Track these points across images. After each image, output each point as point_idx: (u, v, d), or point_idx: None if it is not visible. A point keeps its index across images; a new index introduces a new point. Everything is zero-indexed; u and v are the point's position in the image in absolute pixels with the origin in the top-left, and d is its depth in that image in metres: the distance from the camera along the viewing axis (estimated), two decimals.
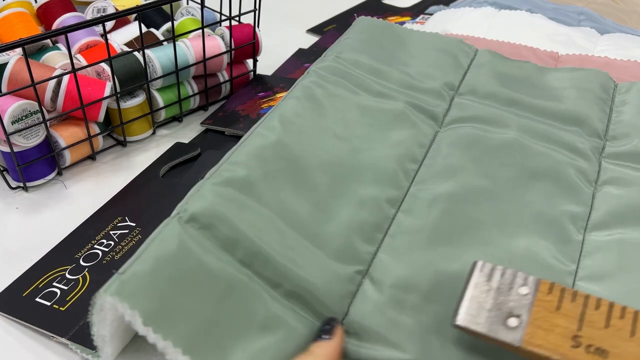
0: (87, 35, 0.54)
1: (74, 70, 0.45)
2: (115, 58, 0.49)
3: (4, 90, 0.46)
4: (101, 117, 0.49)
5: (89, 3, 0.58)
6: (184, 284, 0.27)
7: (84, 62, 0.52)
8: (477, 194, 0.37)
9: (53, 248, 0.42)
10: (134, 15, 0.60)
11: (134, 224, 0.44)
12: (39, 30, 0.55)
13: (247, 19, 0.61)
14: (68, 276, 0.39)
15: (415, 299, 0.31)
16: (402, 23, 0.74)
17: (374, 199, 0.36)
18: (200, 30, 0.54)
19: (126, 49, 0.55)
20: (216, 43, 0.56)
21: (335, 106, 0.42)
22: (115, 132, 0.54)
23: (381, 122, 0.42)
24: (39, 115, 0.45)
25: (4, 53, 0.48)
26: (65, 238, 0.43)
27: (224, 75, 0.59)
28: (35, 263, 0.41)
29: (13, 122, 0.44)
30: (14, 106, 0.43)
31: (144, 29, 0.57)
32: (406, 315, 0.31)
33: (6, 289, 0.39)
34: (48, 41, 0.53)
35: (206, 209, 0.31)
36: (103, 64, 0.50)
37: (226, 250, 0.31)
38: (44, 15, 0.56)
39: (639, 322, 0.28)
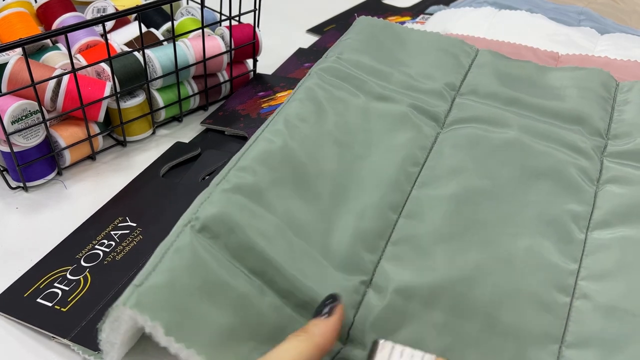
0: (87, 35, 0.54)
1: (74, 70, 0.45)
2: (115, 58, 0.49)
3: (3, 90, 0.46)
4: (101, 117, 0.49)
5: (88, 3, 0.58)
6: (200, 294, 0.28)
7: (83, 62, 0.51)
8: (478, 194, 0.37)
9: (54, 248, 0.42)
10: (133, 15, 0.60)
11: (134, 224, 0.44)
12: (38, 30, 0.55)
13: (247, 19, 0.61)
14: (69, 277, 0.39)
15: (417, 306, 0.31)
16: (402, 23, 0.74)
17: (376, 205, 0.36)
18: (200, 30, 0.54)
19: (126, 49, 0.55)
20: (216, 43, 0.56)
21: (337, 110, 0.42)
22: (115, 132, 0.54)
23: (382, 126, 0.42)
24: (39, 115, 0.45)
25: (3, 53, 0.48)
26: (65, 238, 0.43)
27: (223, 75, 0.59)
28: (36, 263, 0.41)
29: (13, 122, 0.44)
30: (13, 106, 0.43)
31: (144, 29, 0.57)
32: (407, 323, 0.31)
33: (7, 289, 0.39)
34: (48, 41, 0.53)
35: (217, 216, 0.31)
36: (103, 64, 0.50)
37: (237, 259, 0.31)
38: (44, 15, 0.56)
39: None
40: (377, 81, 0.46)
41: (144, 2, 0.58)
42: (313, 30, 0.78)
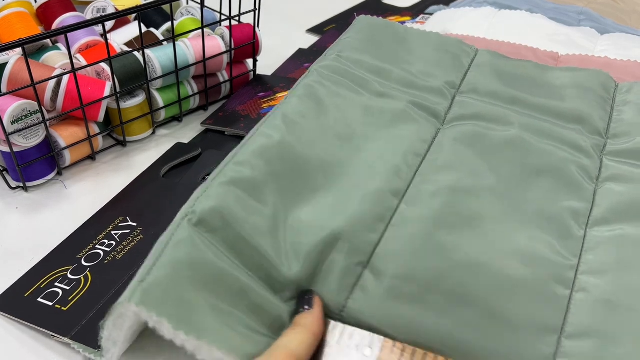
0: (86, 35, 0.54)
1: (73, 70, 0.45)
2: (115, 58, 0.48)
3: (3, 90, 0.46)
4: (101, 117, 0.49)
5: (88, 3, 0.58)
6: (202, 286, 0.28)
7: (83, 62, 0.51)
8: (479, 188, 0.37)
9: (55, 248, 0.42)
10: (133, 15, 0.60)
11: (135, 224, 0.44)
12: (38, 30, 0.55)
13: (247, 19, 0.61)
14: (70, 276, 0.39)
15: (415, 290, 0.31)
16: (402, 23, 0.74)
17: (377, 191, 0.36)
18: (200, 30, 0.54)
19: (126, 48, 0.55)
20: (216, 43, 0.56)
21: (337, 106, 0.42)
22: (115, 132, 0.54)
23: (383, 121, 0.42)
24: (39, 115, 0.45)
25: (3, 53, 0.48)
26: (66, 238, 0.43)
27: (223, 75, 0.59)
28: (37, 263, 0.41)
29: (13, 122, 0.44)
30: (13, 106, 0.43)
31: (144, 29, 0.57)
32: (406, 307, 0.31)
33: (8, 289, 0.39)
34: (47, 41, 0.53)
35: (213, 210, 0.31)
36: (103, 64, 0.50)
37: (234, 253, 0.31)
38: (44, 15, 0.56)
39: None
40: (377, 79, 0.46)
41: (144, 2, 0.58)
42: (313, 30, 0.78)
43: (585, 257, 0.34)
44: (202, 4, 0.54)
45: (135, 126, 0.54)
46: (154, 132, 0.56)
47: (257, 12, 0.59)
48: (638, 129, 0.43)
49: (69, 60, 0.45)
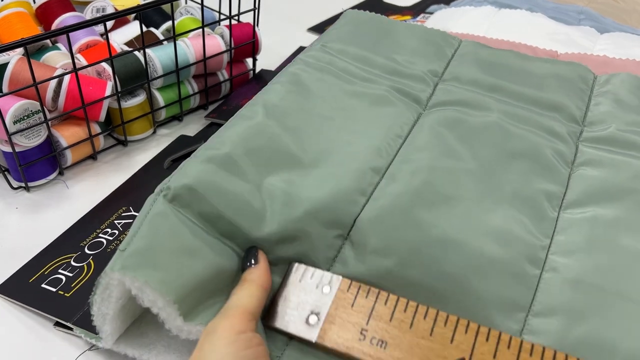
0: (86, 35, 0.54)
1: (75, 70, 0.45)
2: (116, 57, 0.49)
3: (5, 90, 0.46)
4: (102, 116, 0.49)
5: (88, 3, 0.58)
6: (178, 255, 0.30)
7: (84, 62, 0.51)
8: (457, 169, 0.38)
9: (59, 237, 0.43)
10: (133, 15, 0.60)
11: (137, 214, 0.44)
12: (38, 30, 0.55)
13: (247, 18, 0.61)
14: (73, 264, 0.40)
15: (392, 264, 0.32)
16: None
17: (358, 168, 0.37)
18: (200, 30, 0.54)
19: (126, 48, 0.55)
20: (216, 42, 0.56)
21: (320, 89, 0.43)
22: (116, 131, 0.54)
23: (366, 104, 0.43)
24: (41, 115, 0.45)
25: (4, 53, 0.48)
26: (70, 227, 0.44)
27: (223, 75, 0.59)
28: (42, 251, 0.41)
29: (15, 122, 0.44)
30: (15, 106, 0.43)
31: (144, 29, 0.57)
32: (383, 281, 0.32)
33: (13, 275, 0.39)
34: (47, 41, 0.53)
35: (187, 186, 0.33)
36: (104, 64, 0.50)
37: (209, 224, 0.33)
38: (43, 15, 0.56)
39: (418, 314, 0.30)
40: (361, 66, 0.47)
41: (144, 2, 0.58)
42: (314, 29, 0.78)
43: (556, 237, 0.35)
44: (201, 3, 0.54)
45: (136, 126, 0.54)
46: (154, 132, 0.56)
47: (256, 11, 0.59)
48: (614, 117, 0.44)
49: (69, 60, 0.45)
